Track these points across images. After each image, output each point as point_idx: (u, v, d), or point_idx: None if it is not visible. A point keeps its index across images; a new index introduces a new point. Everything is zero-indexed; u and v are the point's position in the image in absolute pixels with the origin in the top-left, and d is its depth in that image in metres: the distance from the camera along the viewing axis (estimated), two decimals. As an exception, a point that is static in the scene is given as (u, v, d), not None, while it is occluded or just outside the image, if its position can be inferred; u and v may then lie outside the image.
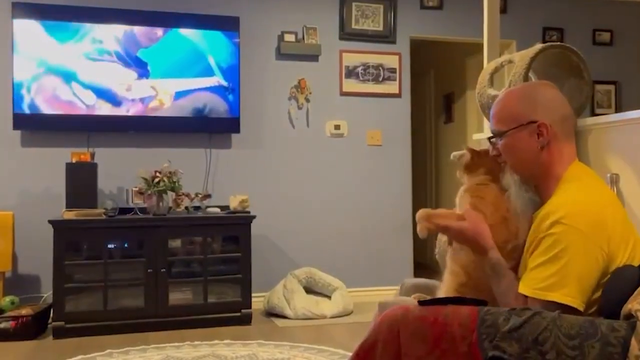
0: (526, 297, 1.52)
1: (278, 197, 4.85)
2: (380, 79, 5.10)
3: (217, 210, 4.37)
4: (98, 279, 3.98)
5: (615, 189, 2.16)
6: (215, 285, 4.21)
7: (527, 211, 1.66)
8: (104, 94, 4.37)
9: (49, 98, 4.26)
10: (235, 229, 4.25)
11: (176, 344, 3.62)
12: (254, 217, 4.25)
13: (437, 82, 6.88)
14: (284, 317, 4.33)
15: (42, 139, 4.39)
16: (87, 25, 4.34)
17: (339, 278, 4.63)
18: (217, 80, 4.57)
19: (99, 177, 4.21)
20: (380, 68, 5.09)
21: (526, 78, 2.34)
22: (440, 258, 2.20)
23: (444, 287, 1.74)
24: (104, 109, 4.37)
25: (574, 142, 1.72)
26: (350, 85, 5.04)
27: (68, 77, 4.31)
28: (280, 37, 4.87)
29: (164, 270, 4.04)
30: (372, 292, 4.85)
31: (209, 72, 4.56)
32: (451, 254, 1.76)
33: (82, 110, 4.33)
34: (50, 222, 3.87)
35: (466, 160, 1.78)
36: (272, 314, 4.41)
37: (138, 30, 4.44)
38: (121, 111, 4.40)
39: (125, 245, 4.23)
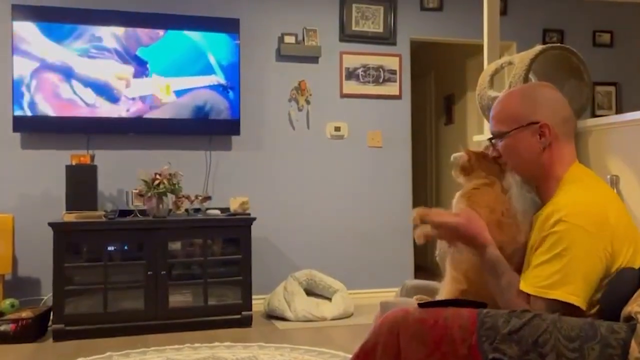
0: (528, 295, 1.51)
1: (278, 199, 4.84)
2: (381, 80, 5.09)
3: (218, 212, 4.37)
4: (98, 281, 3.97)
5: (615, 191, 2.16)
6: (216, 288, 4.21)
7: (529, 212, 1.65)
8: (103, 92, 4.37)
9: (48, 97, 4.26)
10: (235, 231, 4.24)
11: (176, 346, 3.61)
12: (254, 219, 4.24)
13: (437, 84, 6.88)
14: (284, 319, 4.32)
15: (42, 141, 4.39)
16: (88, 27, 4.34)
17: (340, 280, 4.63)
18: (217, 79, 4.57)
19: (99, 179, 4.21)
20: (381, 70, 5.09)
21: (526, 80, 2.34)
22: (441, 260, 2.20)
23: (444, 294, 1.72)
24: (104, 107, 4.37)
25: (574, 143, 1.72)
26: (351, 86, 5.04)
27: (67, 75, 4.31)
28: (281, 39, 4.87)
29: (164, 272, 4.03)
30: (372, 294, 4.85)
31: (209, 71, 4.56)
32: (451, 260, 1.73)
33: (82, 108, 4.33)
34: (50, 224, 3.87)
35: (463, 161, 1.76)
36: (272, 316, 4.40)
37: (138, 30, 4.44)
38: (121, 109, 4.40)
39: (125, 247, 4.23)
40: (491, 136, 1.76)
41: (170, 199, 4.20)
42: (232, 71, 4.60)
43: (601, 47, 5.69)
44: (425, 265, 6.06)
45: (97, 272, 3.99)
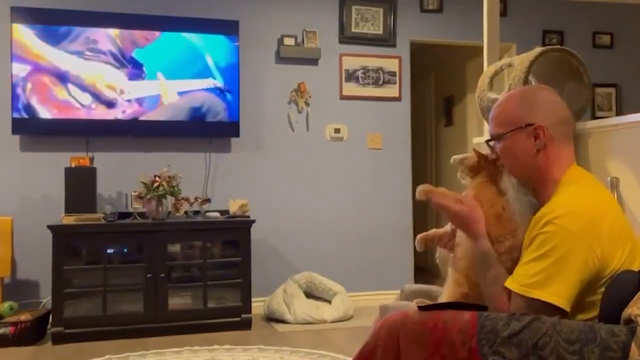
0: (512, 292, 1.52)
1: (278, 201, 4.84)
2: (380, 82, 5.09)
3: (217, 214, 4.36)
4: (97, 284, 3.96)
5: (615, 193, 2.15)
6: (215, 290, 4.20)
7: (525, 214, 1.66)
8: (99, 95, 4.36)
9: (45, 99, 4.25)
10: (234, 233, 4.24)
11: (176, 349, 3.60)
12: (253, 221, 4.23)
13: (437, 85, 6.88)
14: (284, 322, 4.31)
15: (41, 144, 4.39)
16: (84, 28, 4.34)
17: (339, 282, 4.62)
18: (214, 82, 4.56)
19: (98, 181, 4.21)
20: (380, 71, 5.09)
21: (526, 81, 2.34)
22: (441, 263, 2.20)
23: (445, 296, 1.73)
24: (100, 109, 4.36)
25: (573, 145, 1.71)
26: (350, 88, 5.04)
27: (63, 78, 4.30)
28: (280, 41, 4.87)
29: (164, 275, 4.02)
30: (372, 297, 4.84)
31: (207, 73, 4.56)
32: (452, 262, 1.76)
33: (78, 110, 4.32)
34: (49, 227, 3.86)
35: (472, 161, 1.78)
36: (272, 318, 4.39)
37: (136, 32, 4.44)
38: (117, 112, 4.39)
39: (125, 250, 4.22)
40: (489, 138, 1.77)
41: (169, 201, 4.19)
42: (231, 73, 4.60)
43: (601, 48, 5.68)
44: (425, 266, 6.05)
45: (96, 274, 3.98)
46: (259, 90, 4.84)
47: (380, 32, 5.10)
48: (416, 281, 4.98)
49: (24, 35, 4.23)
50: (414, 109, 5.43)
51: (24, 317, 3.87)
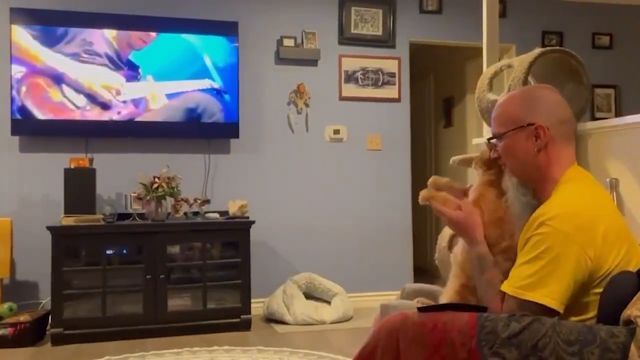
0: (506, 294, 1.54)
1: (277, 203, 4.84)
2: (380, 83, 5.09)
3: (216, 215, 4.36)
4: (97, 285, 3.96)
5: (615, 194, 2.16)
6: (215, 291, 4.20)
7: (523, 214, 1.66)
8: (94, 96, 4.35)
9: (42, 101, 4.24)
10: (234, 234, 4.24)
11: (175, 350, 3.60)
12: (253, 222, 4.23)
13: (436, 87, 6.88)
14: (283, 322, 4.31)
15: (40, 145, 4.39)
16: (81, 29, 4.33)
17: (339, 283, 4.62)
18: (211, 82, 4.55)
19: (97, 182, 4.20)
20: (380, 72, 5.09)
21: (525, 82, 2.34)
22: (440, 263, 2.20)
23: (447, 289, 1.79)
24: (95, 110, 4.35)
25: (574, 145, 1.71)
26: (350, 89, 5.04)
27: (59, 79, 4.29)
28: (279, 42, 4.87)
29: (163, 276, 4.02)
30: (372, 298, 4.84)
31: (204, 74, 4.55)
32: (453, 256, 1.82)
33: (73, 112, 4.31)
34: (48, 228, 3.86)
35: (487, 155, 1.81)
36: (271, 319, 4.39)
37: (133, 34, 4.44)
38: (112, 113, 4.38)
39: (124, 251, 4.22)
40: (490, 137, 1.77)
41: (169, 202, 4.19)
42: (230, 74, 4.60)
43: (600, 49, 5.69)
44: (424, 267, 6.05)
45: (96, 275, 3.98)
46: (258, 91, 4.84)
47: (380, 33, 5.10)
48: (415, 282, 4.98)
49: (21, 36, 4.23)
50: (414, 110, 5.43)
51: (24, 318, 3.87)
